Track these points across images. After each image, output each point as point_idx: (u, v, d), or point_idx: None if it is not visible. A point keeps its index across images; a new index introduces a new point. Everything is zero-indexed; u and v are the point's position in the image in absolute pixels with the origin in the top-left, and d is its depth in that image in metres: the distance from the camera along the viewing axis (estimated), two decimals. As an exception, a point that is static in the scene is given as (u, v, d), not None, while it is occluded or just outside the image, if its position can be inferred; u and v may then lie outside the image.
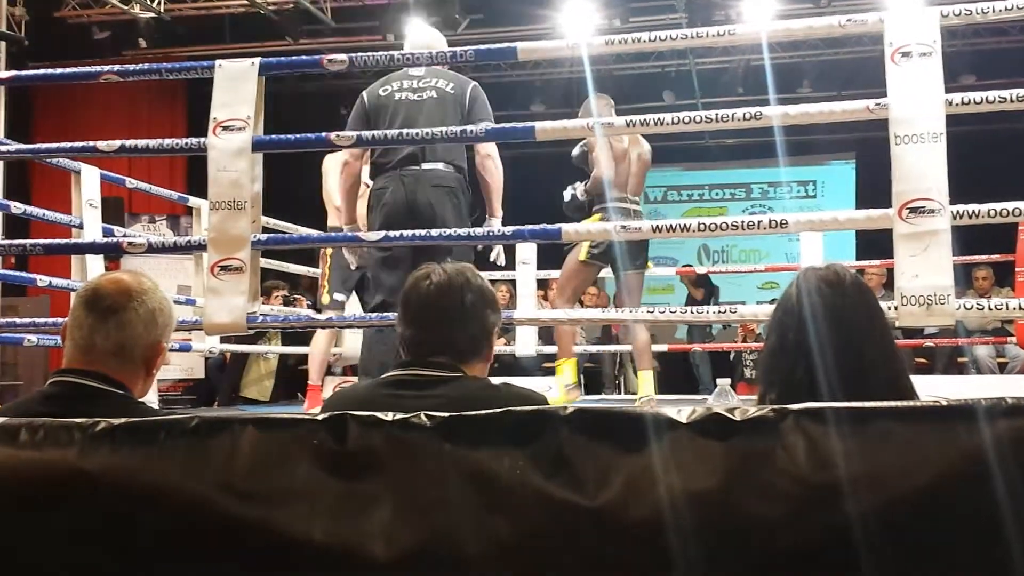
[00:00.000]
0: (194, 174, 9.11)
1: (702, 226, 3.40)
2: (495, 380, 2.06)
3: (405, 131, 3.48)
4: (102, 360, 1.88)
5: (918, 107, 2.92)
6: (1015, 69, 8.88)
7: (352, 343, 6.95)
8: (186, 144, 3.68)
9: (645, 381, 5.10)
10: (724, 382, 3.98)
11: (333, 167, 5.05)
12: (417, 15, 8.54)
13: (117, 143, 3.63)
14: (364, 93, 4.21)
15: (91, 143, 3.70)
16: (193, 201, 6.08)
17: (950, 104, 2.95)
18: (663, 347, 8.15)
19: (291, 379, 7.92)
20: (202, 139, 3.40)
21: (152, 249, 3.80)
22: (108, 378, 1.87)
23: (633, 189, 5.10)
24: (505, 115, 10.10)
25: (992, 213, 2.99)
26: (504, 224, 3.41)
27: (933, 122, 2.90)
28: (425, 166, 4.00)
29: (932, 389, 4.21)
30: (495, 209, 4.17)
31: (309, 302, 7.86)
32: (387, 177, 4.06)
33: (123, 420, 1.21)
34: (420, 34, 4.57)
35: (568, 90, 10.37)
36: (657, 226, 3.48)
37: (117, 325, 1.90)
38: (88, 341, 1.89)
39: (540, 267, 6.83)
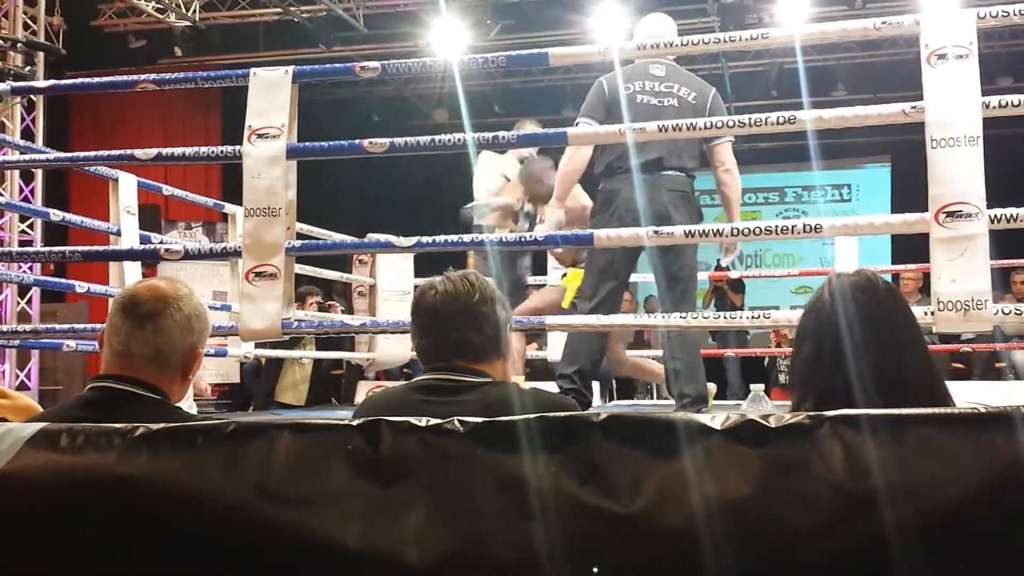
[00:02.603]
0: (229, 181, 9.19)
1: (735, 231, 3.39)
2: (525, 385, 2.07)
3: (437, 138, 3.48)
4: (139, 366, 1.90)
5: (955, 110, 2.89)
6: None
7: (385, 348, 6.98)
8: (221, 152, 3.70)
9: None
10: (758, 388, 3.95)
11: (490, 160, 4.95)
12: (449, 21, 8.57)
13: (154, 151, 3.66)
14: (604, 80, 4.16)
15: (128, 151, 3.74)
16: (228, 208, 6.12)
17: (987, 107, 2.92)
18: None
19: (326, 384, 7.96)
20: (237, 147, 3.42)
21: (188, 255, 3.82)
22: (146, 383, 1.89)
23: None
24: (537, 120, 10.12)
25: (1030, 217, 2.95)
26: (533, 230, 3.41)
27: (970, 125, 2.87)
28: (660, 173, 4.03)
29: (970, 395, 4.17)
30: (735, 218, 4.19)
31: (343, 308, 7.90)
32: (621, 180, 4.06)
33: (161, 425, 1.23)
34: (650, 24, 4.40)
35: (600, 95, 10.34)
36: (690, 231, 3.46)
37: (154, 331, 1.91)
38: (125, 347, 1.91)
39: (572, 272, 6.82)
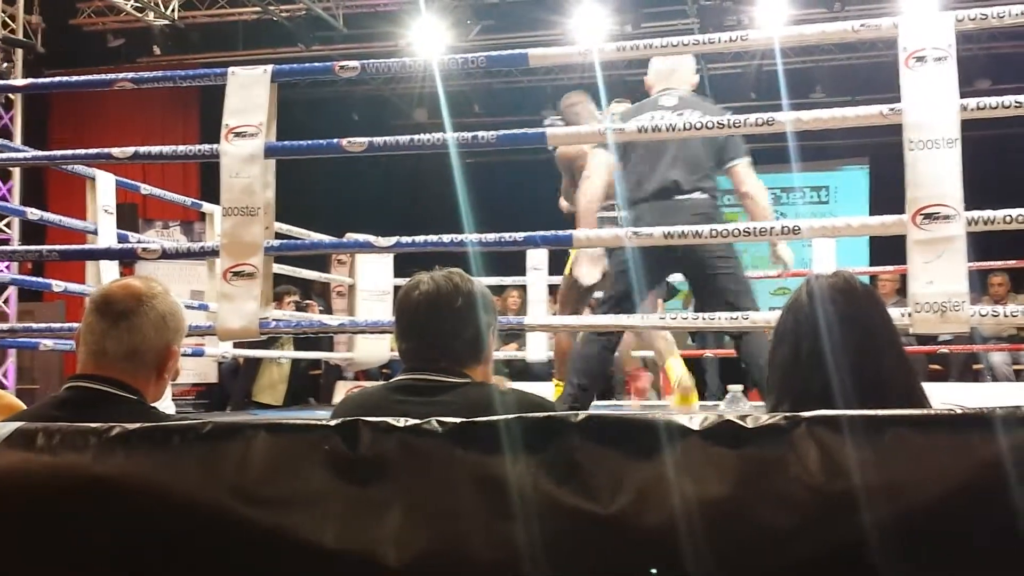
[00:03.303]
0: (207, 180, 9.14)
1: (714, 232, 3.39)
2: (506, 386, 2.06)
3: (416, 137, 3.47)
4: (114, 365, 1.89)
5: (933, 112, 2.90)
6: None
7: (364, 348, 6.97)
8: (199, 151, 3.68)
9: (673, 368, 5.07)
10: (736, 388, 3.97)
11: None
12: (429, 21, 8.56)
13: (131, 150, 3.65)
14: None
15: (106, 150, 3.72)
16: (206, 207, 6.10)
17: (965, 109, 2.94)
18: (675, 353, 8.13)
19: (304, 384, 7.94)
20: (215, 146, 3.41)
21: (166, 254, 3.81)
22: (121, 383, 1.88)
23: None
24: (516, 121, 10.08)
25: (1008, 219, 2.97)
26: (514, 230, 3.41)
27: (948, 127, 2.89)
28: (679, 197, 4.00)
29: (947, 396, 4.20)
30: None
31: (322, 308, 7.88)
32: (642, 208, 4.05)
33: (137, 425, 1.22)
34: (662, 60, 4.40)
35: (580, 95, 10.35)
36: (669, 232, 3.47)
37: (128, 329, 1.90)
38: (100, 346, 1.90)
39: (551, 273, 6.83)
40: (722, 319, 3.69)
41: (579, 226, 4.17)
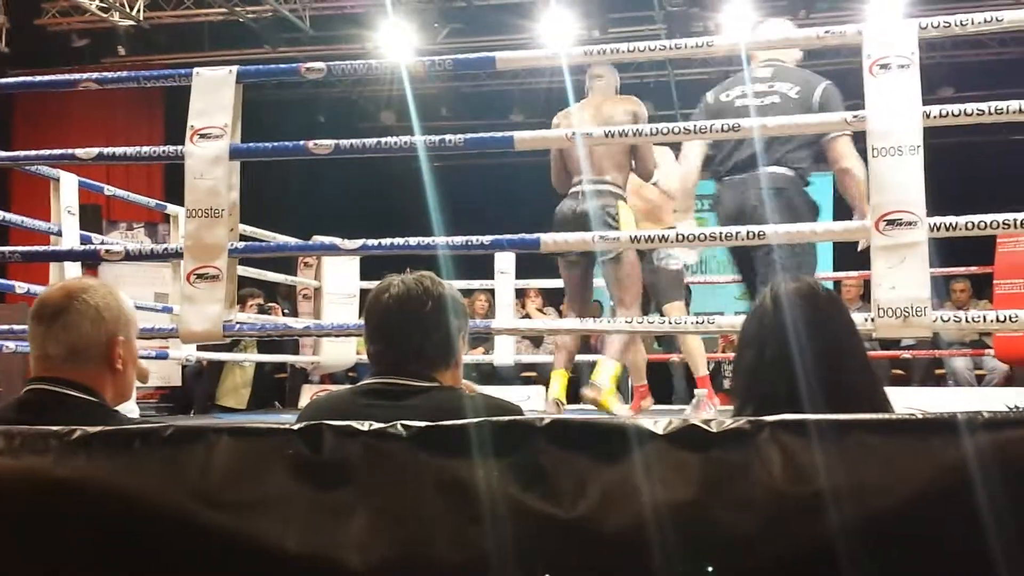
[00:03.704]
0: (172, 181, 9.07)
1: (680, 236, 3.41)
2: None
3: (383, 140, 3.46)
4: (59, 366, 1.89)
5: (896, 119, 2.93)
6: (993, 81, 8.96)
7: (330, 351, 6.94)
8: (164, 152, 3.66)
9: (604, 369, 4.83)
10: (702, 392, 3.98)
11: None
12: (396, 23, 8.54)
13: (95, 151, 3.62)
14: (706, 95, 4.15)
15: (70, 151, 3.69)
16: (171, 208, 6.05)
17: (928, 116, 2.97)
18: (642, 357, 8.16)
19: (269, 387, 7.88)
20: (180, 147, 3.38)
21: (129, 256, 3.78)
22: (72, 382, 1.88)
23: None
24: (484, 124, 10.11)
25: (970, 226, 3.01)
26: (483, 233, 3.41)
27: (911, 134, 2.92)
28: (758, 170, 3.91)
29: (909, 401, 4.24)
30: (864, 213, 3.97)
31: (287, 310, 7.83)
32: (723, 182, 4.03)
33: (99, 428, 1.21)
34: (769, 30, 4.32)
35: (548, 100, 10.36)
36: (636, 236, 3.48)
37: (63, 328, 1.90)
38: (43, 350, 1.91)
39: (518, 276, 6.84)
40: (688, 323, 3.70)
41: (676, 206, 4.23)
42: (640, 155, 4.79)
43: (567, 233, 3.66)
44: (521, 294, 7.93)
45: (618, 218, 4.62)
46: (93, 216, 8.13)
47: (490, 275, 6.82)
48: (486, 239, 3.38)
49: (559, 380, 4.99)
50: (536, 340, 8.08)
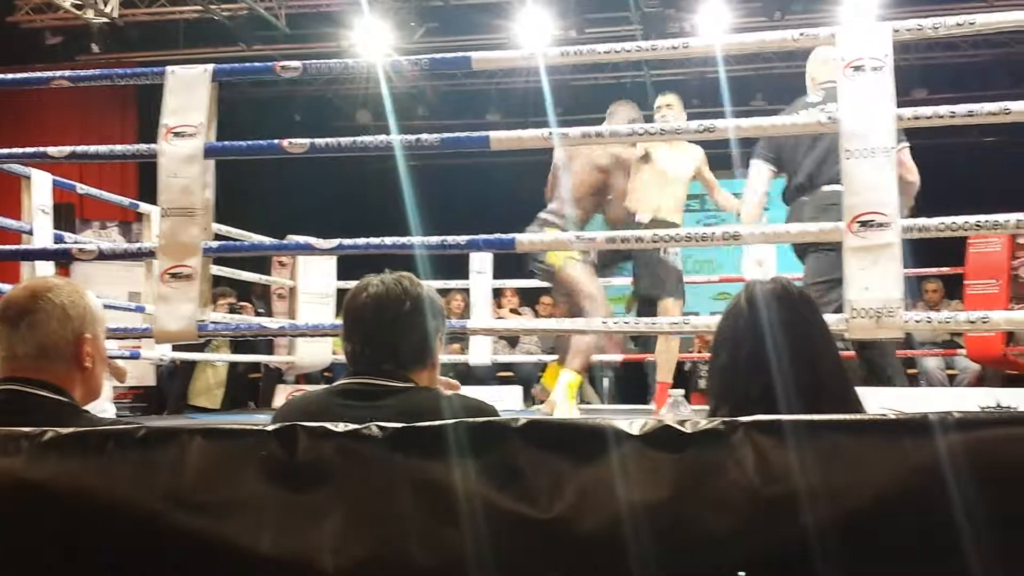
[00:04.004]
0: (145, 180, 9.00)
1: (656, 237, 3.42)
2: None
3: (359, 139, 3.45)
4: (28, 366, 1.88)
5: (869, 121, 2.95)
6: (966, 84, 9.04)
7: (305, 351, 6.91)
8: (137, 150, 3.63)
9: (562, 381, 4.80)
10: (677, 393, 4.00)
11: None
12: (372, 22, 8.52)
13: (68, 149, 3.59)
14: None
15: (42, 149, 3.66)
16: (144, 207, 6.00)
17: (901, 119, 2.99)
18: (618, 357, 8.18)
19: (244, 387, 7.84)
20: (153, 145, 3.36)
21: (102, 255, 3.75)
22: (41, 382, 1.87)
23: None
24: (460, 124, 10.11)
25: (942, 227, 3.03)
26: (459, 233, 3.40)
27: (884, 136, 2.94)
28: (817, 189, 4.11)
29: (882, 401, 4.27)
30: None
31: (263, 310, 7.79)
32: (794, 205, 4.22)
33: (71, 430, 1.20)
34: (821, 51, 4.38)
35: (524, 100, 10.38)
36: (612, 237, 3.49)
37: (29, 327, 1.89)
38: (10, 351, 1.89)
39: (495, 276, 6.84)
40: (664, 324, 3.71)
41: (745, 217, 4.41)
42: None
43: (542, 233, 3.67)
44: (498, 294, 7.93)
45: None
46: (66, 215, 8.07)
47: (467, 275, 6.81)
48: (462, 239, 3.38)
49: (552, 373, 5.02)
50: (512, 340, 8.08)
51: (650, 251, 5.13)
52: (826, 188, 4.04)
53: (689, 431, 1.10)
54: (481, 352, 6.93)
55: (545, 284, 5.44)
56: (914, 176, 4.09)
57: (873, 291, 2.90)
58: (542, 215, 4.97)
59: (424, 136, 3.46)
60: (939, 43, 8.89)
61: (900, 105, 3.01)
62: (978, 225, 3.05)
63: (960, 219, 3.04)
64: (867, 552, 1.05)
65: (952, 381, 7.24)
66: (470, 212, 9.41)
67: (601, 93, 10.63)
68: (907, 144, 4.07)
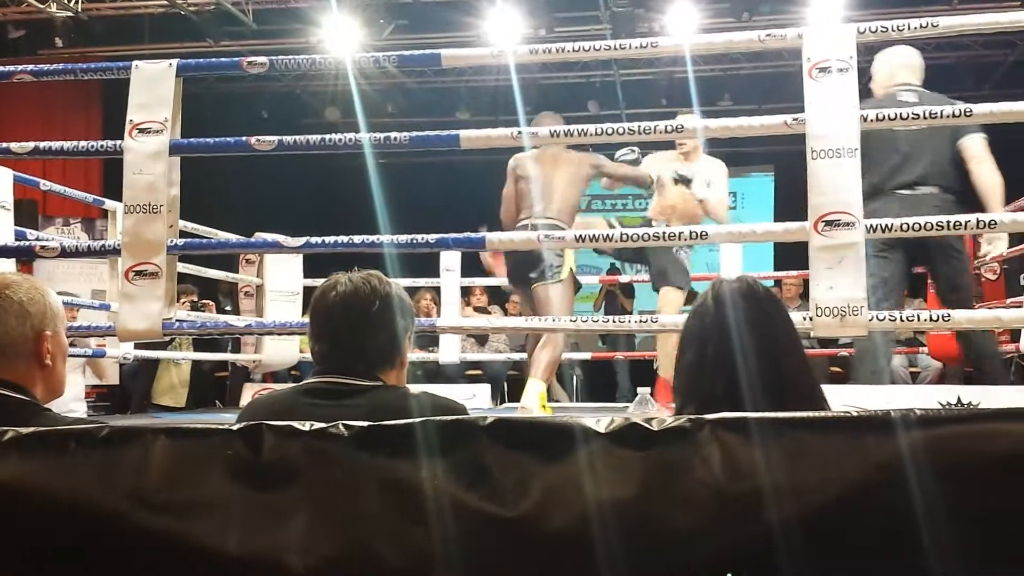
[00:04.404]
0: (110, 176, 8.93)
1: (624, 236, 3.43)
2: (415, 388, 2.05)
3: (327, 137, 3.44)
4: None
5: (834, 122, 2.98)
6: (929, 85, 9.13)
7: (272, 349, 6.87)
8: (102, 146, 3.60)
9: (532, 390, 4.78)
10: (644, 391, 4.02)
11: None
12: (341, 19, 8.48)
13: (31, 144, 3.55)
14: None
15: (4, 144, 3.61)
16: (108, 204, 5.94)
17: (865, 120, 3.02)
18: (586, 355, 8.21)
19: (209, 386, 7.79)
20: (118, 142, 3.33)
21: (65, 253, 3.72)
22: (1, 381, 1.84)
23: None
24: (430, 122, 10.10)
25: (904, 227, 3.06)
26: (429, 232, 3.40)
27: (849, 137, 2.96)
28: (921, 190, 4.14)
29: (846, 399, 4.31)
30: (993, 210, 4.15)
31: (228, 307, 7.74)
32: (884, 200, 4.15)
33: (32, 429, 1.18)
34: (897, 55, 4.58)
35: (494, 98, 10.39)
36: (580, 236, 3.50)
37: None
38: None
39: (464, 275, 6.83)
40: (631, 322, 3.72)
41: None
42: (620, 177, 5.16)
43: (512, 232, 3.67)
44: (467, 292, 7.92)
45: (563, 253, 4.84)
46: (28, 211, 7.98)
47: (436, 273, 6.80)
48: (431, 237, 3.38)
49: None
50: (481, 339, 8.09)
51: (660, 248, 5.28)
52: (931, 191, 4.18)
53: (656, 429, 1.11)
54: (450, 351, 6.93)
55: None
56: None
57: (837, 290, 2.93)
58: (551, 224, 4.88)
59: (394, 134, 3.45)
60: (903, 45, 8.96)
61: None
62: (940, 225, 3.09)
63: (922, 219, 3.08)
64: (831, 548, 1.06)
65: (915, 379, 7.31)
66: (439, 210, 9.39)
67: (571, 91, 10.67)
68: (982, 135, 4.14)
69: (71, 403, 6.11)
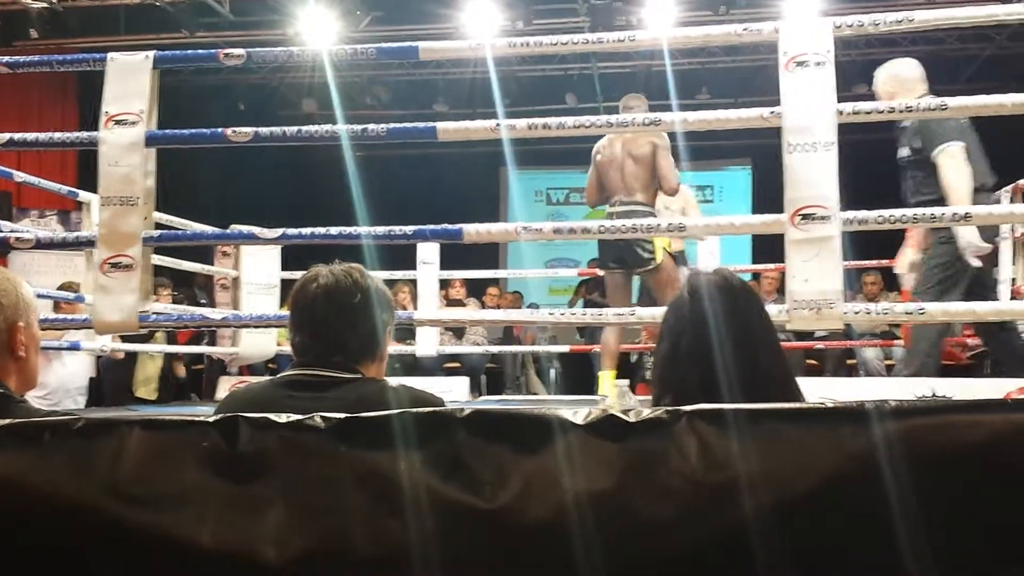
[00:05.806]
0: (85, 168, 8.85)
1: (603, 229, 3.44)
2: (393, 381, 2.05)
3: (304, 129, 3.43)
4: None
5: (811, 116, 2.99)
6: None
7: (249, 342, 6.84)
8: (77, 138, 3.57)
9: (603, 381, 5.25)
10: (623, 383, 4.03)
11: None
12: (317, 10, 8.44)
13: (6, 136, 3.52)
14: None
15: (-23, 135, 3.57)
16: (84, 196, 5.89)
17: (841, 113, 3.04)
18: (564, 348, 8.22)
19: (187, 378, 7.75)
20: (94, 133, 3.31)
21: (40, 245, 3.68)
22: None
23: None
24: (407, 114, 10.08)
25: (880, 220, 3.08)
26: (406, 224, 3.40)
27: (825, 130, 2.98)
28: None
29: (822, 391, 4.34)
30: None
31: (203, 300, 7.70)
32: (983, 198, 4.30)
33: (6, 421, 1.17)
34: (904, 68, 4.76)
35: (472, 90, 10.37)
36: (559, 228, 3.50)
37: None
38: None
39: (442, 267, 6.82)
40: (609, 315, 3.73)
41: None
42: (661, 174, 5.16)
43: (489, 224, 3.66)
44: (445, 285, 7.91)
45: (651, 241, 5.06)
46: (3, 203, 7.91)
47: (414, 265, 6.79)
48: (409, 229, 3.37)
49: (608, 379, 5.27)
50: (459, 331, 8.08)
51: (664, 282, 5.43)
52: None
53: (633, 420, 1.11)
54: (428, 344, 6.92)
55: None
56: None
57: (813, 283, 2.94)
58: (637, 207, 5.11)
59: (371, 126, 3.44)
60: (879, 39, 9.02)
61: (842, 100, 3.05)
62: (916, 218, 3.11)
63: (898, 212, 3.10)
64: (807, 537, 1.07)
65: (890, 371, 7.37)
66: (417, 202, 9.37)
67: (548, 84, 10.67)
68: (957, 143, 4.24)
69: (76, 396, 6.10)
